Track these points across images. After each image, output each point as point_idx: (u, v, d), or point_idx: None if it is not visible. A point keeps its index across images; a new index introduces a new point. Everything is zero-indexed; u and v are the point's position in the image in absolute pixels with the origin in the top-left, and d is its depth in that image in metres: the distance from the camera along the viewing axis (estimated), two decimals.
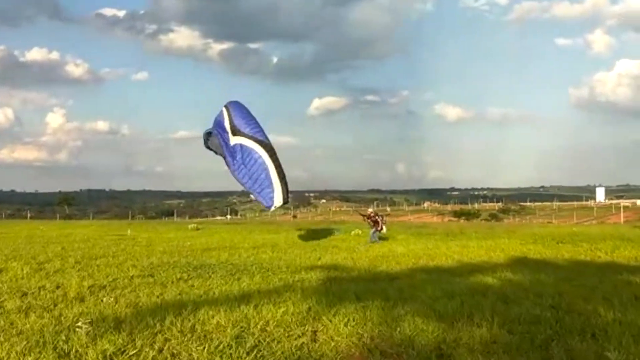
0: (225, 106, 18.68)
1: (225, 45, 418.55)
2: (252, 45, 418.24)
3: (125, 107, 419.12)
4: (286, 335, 5.68)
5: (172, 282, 9.76)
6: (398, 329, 5.73)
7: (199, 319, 6.31)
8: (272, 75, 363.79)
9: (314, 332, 5.82)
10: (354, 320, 6.15)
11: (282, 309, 6.71)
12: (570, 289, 8.63)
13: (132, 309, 7.21)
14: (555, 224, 72.62)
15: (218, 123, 18.64)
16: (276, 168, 15.84)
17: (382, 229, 21.59)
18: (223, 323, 6.05)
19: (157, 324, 6.05)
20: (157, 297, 8.26)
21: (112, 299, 7.96)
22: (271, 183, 15.71)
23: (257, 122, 17.54)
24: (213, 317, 6.41)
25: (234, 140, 17.19)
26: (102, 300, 7.95)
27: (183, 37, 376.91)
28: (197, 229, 33.52)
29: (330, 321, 6.18)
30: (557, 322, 6.25)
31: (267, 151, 16.35)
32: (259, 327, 5.95)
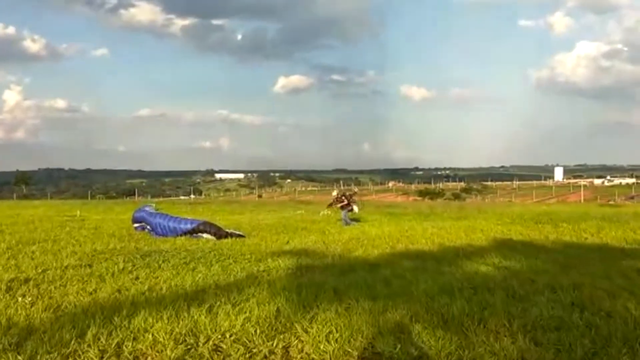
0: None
1: (187, 21, 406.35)
2: (216, 22, 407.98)
3: (85, 84, 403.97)
4: (248, 356, 4.21)
5: (113, 275, 8.15)
6: (399, 345, 4.32)
7: (132, 331, 4.78)
8: (237, 52, 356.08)
9: (286, 349, 4.37)
10: (337, 331, 4.71)
11: (244, 315, 5.22)
12: (581, 279, 7.41)
13: (51, 314, 5.61)
14: (516, 202, 73.04)
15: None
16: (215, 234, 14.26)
17: (352, 209, 20.16)
18: (162, 339, 4.52)
19: (74, 340, 4.50)
20: (89, 295, 6.67)
21: (29, 299, 6.34)
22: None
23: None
24: (152, 326, 4.89)
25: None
26: (17, 300, 6.34)
27: (144, 12, 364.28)
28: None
29: (307, 331, 4.74)
30: (588, 328, 4.98)
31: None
32: (211, 343, 4.46)
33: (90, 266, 9.03)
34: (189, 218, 16.01)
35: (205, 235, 14.17)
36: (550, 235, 14.93)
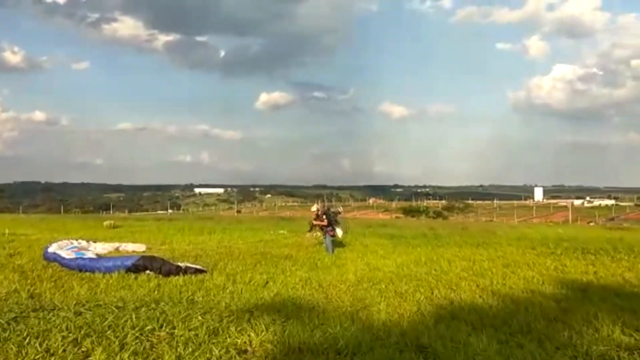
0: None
1: (171, 37, 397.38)
2: (199, 38, 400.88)
3: (64, 97, 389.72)
4: None
5: None
6: None
7: None
8: (219, 68, 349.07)
9: None
10: None
11: None
12: None
13: None
14: (499, 221, 70.23)
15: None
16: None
17: (334, 234, 15.05)
18: None
19: None
20: None
21: None
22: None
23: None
24: None
25: None
26: None
27: (126, 27, 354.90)
28: (114, 227, 27.03)
29: None
30: None
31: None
32: None
33: None
34: (127, 255, 11.57)
35: (148, 271, 9.89)
36: (625, 273, 11.00)
